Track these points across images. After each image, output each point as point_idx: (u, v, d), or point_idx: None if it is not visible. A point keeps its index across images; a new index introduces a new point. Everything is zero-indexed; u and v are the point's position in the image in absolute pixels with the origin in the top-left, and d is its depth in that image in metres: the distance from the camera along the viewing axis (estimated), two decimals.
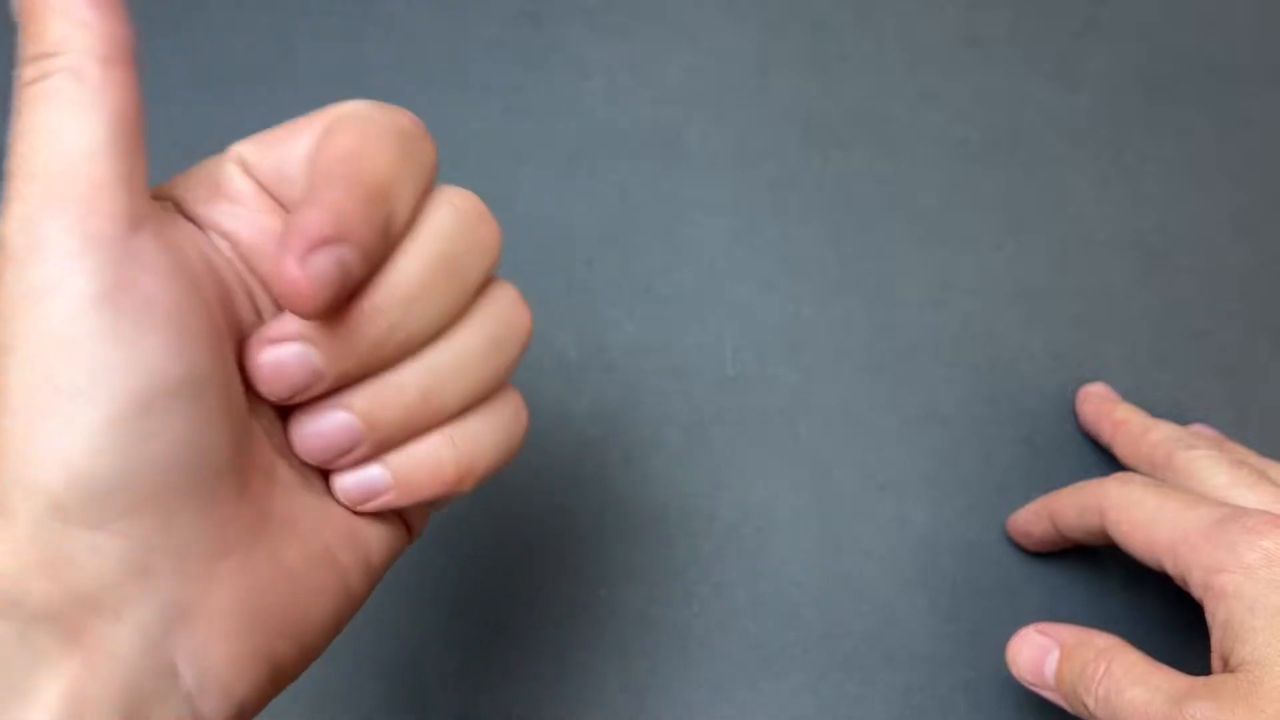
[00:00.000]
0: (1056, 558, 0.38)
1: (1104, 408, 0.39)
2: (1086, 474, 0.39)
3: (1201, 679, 0.28)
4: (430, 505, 0.26)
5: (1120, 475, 0.33)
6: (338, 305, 0.21)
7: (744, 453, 0.39)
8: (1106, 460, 0.39)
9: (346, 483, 0.24)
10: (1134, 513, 0.31)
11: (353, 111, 0.23)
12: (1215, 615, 0.29)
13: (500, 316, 0.24)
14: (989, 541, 0.38)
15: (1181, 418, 0.39)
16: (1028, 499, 0.38)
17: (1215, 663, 0.29)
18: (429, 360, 0.23)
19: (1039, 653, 0.32)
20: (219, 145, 0.22)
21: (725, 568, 0.38)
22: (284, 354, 0.21)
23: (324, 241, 0.20)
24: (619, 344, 0.41)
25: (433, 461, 0.23)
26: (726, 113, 0.46)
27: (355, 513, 0.24)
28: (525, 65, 0.47)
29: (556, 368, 0.41)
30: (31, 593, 0.19)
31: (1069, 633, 0.32)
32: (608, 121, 0.46)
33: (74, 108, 0.20)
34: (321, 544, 0.23)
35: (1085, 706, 0.29)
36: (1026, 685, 0.32)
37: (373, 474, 0.23)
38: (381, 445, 0.23)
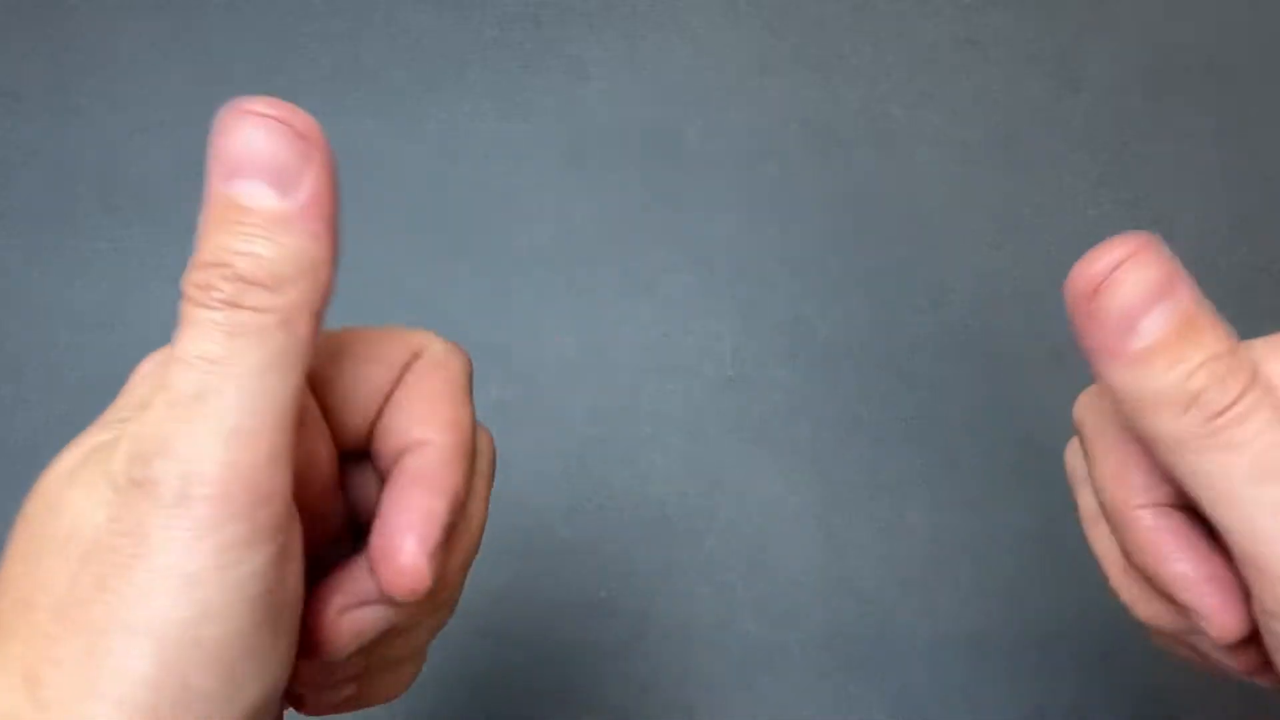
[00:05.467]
0: (1056, 555, 0.38)
1: None
2: None
3: None
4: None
5: None
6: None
7: (744, 453, 0.39)
8: None
9: None
10: None
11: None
12: None
13: None
14: (989, 541, 0.38)
15: None
16: (1028, 499, 0.38)
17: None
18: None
19: (1153, 287, 0.18)
20: None
21: (725, 568, 0.37)
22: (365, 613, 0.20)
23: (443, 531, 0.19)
24: (619, 344, 0.41)
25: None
26: (726, 113, 0.46)
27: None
28: (525, 65, 0.47)
29: (556, 368, 0.41)
30: None
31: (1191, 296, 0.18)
32: (608, 121, 0.46)
33: (281, 362, 0.17)
34: None
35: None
36: (1080, 327, 0.19)
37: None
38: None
